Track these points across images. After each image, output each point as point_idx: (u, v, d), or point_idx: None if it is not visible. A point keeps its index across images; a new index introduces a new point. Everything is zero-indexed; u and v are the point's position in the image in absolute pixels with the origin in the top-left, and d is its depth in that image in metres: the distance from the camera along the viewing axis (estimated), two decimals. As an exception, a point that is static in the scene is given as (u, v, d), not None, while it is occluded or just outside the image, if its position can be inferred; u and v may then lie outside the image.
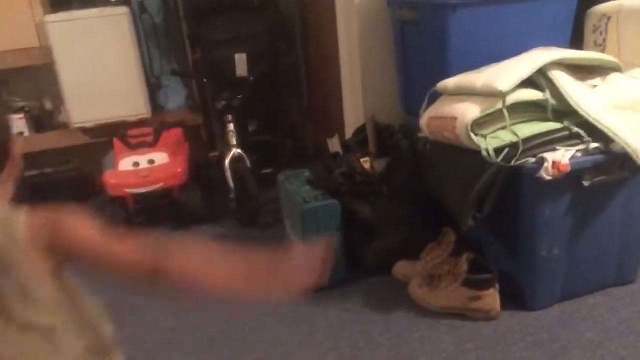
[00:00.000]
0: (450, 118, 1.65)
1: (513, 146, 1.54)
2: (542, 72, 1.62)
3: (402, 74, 2.17)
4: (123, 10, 2.77)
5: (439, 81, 1.79)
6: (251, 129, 2.88)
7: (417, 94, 1.91)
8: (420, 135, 1.85)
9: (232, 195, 2.47)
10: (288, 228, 2.18)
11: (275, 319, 1.80)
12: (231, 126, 2.53)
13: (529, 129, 1.58)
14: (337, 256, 1.90)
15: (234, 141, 2.51)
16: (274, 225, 2.41)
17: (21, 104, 2.94)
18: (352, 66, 2.30)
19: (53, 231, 0.74)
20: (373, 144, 2.09)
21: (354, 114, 2.38)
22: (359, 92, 2.29)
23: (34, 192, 2.76)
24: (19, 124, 2.84)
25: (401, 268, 1.90)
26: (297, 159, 2.92)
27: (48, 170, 2.89)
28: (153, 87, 3.00)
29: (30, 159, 2.88)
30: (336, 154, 2.15)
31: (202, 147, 3.05)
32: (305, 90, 3.16)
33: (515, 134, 1.55)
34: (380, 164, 1.97)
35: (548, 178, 1.50)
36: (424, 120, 1.77)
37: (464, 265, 1.69)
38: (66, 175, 2.92)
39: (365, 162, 2.00)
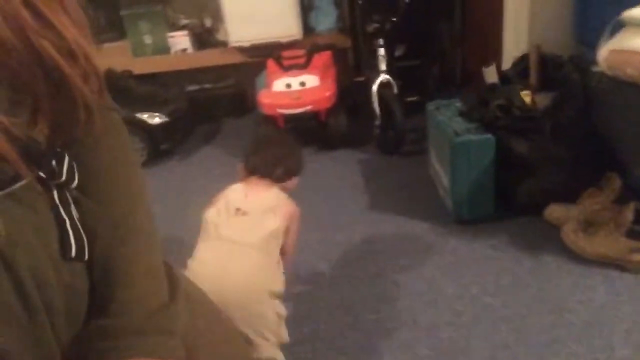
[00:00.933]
0: (636, 53, 1.47)
1: None
2: None
3: (578, -2, 1.96)
4: None
5: (623, 9, 1.58)
6: (397, 53, 2.81)
7: (595, 22, 1.72)
8: (594, 69, 1.68)
9: (377, 122, 2.48)
10: (433, 158, 2.15)
11: (418, 245, 1.84)
12: (381, 50, 2.49)
13: None
14: (487, 191, 1.86)
15: (383, 66, 2.49)
16: (418, 153, 2.40)
17: (184, 22, 3.14)
18: (519, -13, 2.12)
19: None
20: (536, 76, 1.94)
21: (515, 41, 2.22)
22: (523, 17, 2.12)
23: (194, 105, 3.01)
24: (182, 40, 3.04)
25: (554, 211, 1.80)
26: (443, 87, 2.83)
27: (207, 85, 3.11)
28: (305, 8, 3.02)
29: (192, 74, 3.11)
30: (493, 85, 2.04)
31: (348, 71, 3.07)
32: (459, 12, 2.98)
33: None
34: (544, 99, 1.83)
35: None
36: (602, 53, 1.60)
37: (629, 215, 1.57)
38: (224, 91, 3.11)
39: (526, 96, 1.88)
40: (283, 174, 1.38)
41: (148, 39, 3.05)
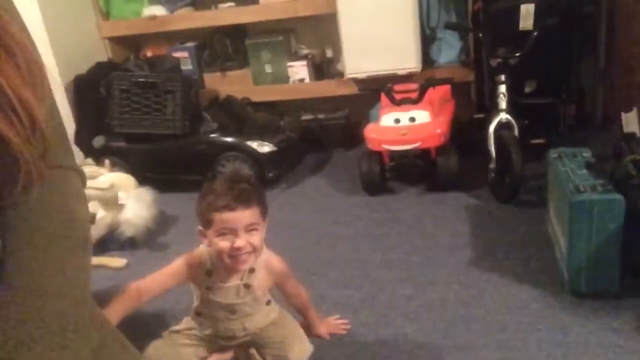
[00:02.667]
0: None
1: None
2: None
3: None
4: (408, -43, 2.66)
5: None
6: (527, 89, 2.55)
7: None
8: None
9: (492, 165, 2.24)
10: (551, 213, 1.87)
11: (522, 317, 1.58)
12: (502, 87, 2.26)
13: None
14: (611, 262, 1.55)
15: (502, 105, 2.25)
16: (537, 205, 2.11)
17: (306, 52, 3.17)
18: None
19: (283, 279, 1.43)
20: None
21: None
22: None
23: (307, 134, 3.00)
24: (301, 70, 3.07)
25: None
26: (577, 131, 2.49)
27: (321, 115, 3.09)
28: (427, 40, 2.88)
29: (308, 103, 3.11)
30: (631, 135, 1.72)
31: (469, 106, 2.85)
32: (603, 47, 2.62)
33: None
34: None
35: None
36: None
37: None
38: (337, 122, 3.07)
39: (673, 151, 1.55)
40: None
41: (269, 68, 3.11)
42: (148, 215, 2.23)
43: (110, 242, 2.26)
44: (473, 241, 2.01)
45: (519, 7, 2.30)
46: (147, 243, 2.28)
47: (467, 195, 2.32)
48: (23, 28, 0.47)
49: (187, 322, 1.44)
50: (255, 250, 1.26)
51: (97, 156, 2.71)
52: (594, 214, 1.51)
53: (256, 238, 1.26)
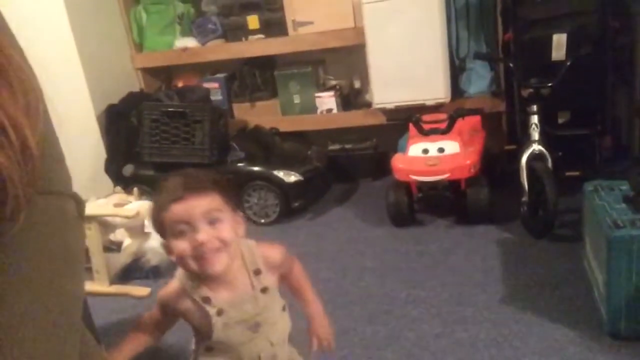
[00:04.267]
0: None
1: None
2: None
3: None
4: (437, -12, 2.66)
5: None
6: (561, 120, 2.48)
7: None
8: None
9: (524, 198, 2.17)
10: (588, 249, 1.78)
11: (555, 360, 1.49)
12: (534, 118, 2.20)
13: None
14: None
15: (535, 136, 2.19)
16: (572, 240, 2.02)
17: (334, 82, 3.17)
18: None
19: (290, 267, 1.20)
20: None
21: None
22: None
23: (334, 164, 2.98)
24: (329, 101, 3.07)
25: None
26: (614, 163, 2.40)
27: (348, 145, 3.07)
28: (456, 70, 2.85)
29: (335, 133, 3.10)
30: (673, 168, 1.64)
31: (501, 138, 2.79)
32: (638, 77, 2.54)
33: None
34: None
35: None
36: None
37: None
38: (363, 152, 3.05)
39: None
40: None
41: (297, 99, 3.13)
42: (173, 244, 2.23)
43: (134, 270, 2.26)
44: (505, 277, 1.93)
45: (550, 36, 2.26)
46: (171, 272, 2.25)
47: (499, 229, 2.25)
48: (17, 48, 0.46)
49: None
50: (225, 244, 1.01)
51: (126, 184, 2.74)
52: (633, 251, 1.43)
53: (223, 230, 1.01)
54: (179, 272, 1.08)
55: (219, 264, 1.01)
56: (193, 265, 1.01)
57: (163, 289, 1.12)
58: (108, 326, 1.93)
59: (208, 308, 1.06)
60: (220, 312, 1.06)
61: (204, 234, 0.99)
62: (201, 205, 0.99)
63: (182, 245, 1.00)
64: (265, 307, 1.10)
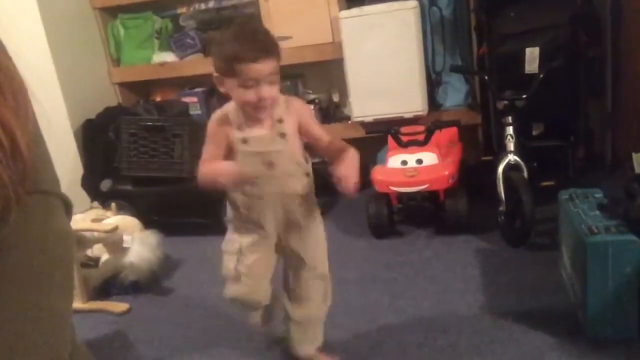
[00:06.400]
0: None
1: None
2: None
3: None
4: (413, 4, 2.71)
5: None
6: (535, 132, 2.53)
7: None
8: None
9: (502, 208, 2.20)
10: (564, 257, 1.82)
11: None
12: (510, 129, 2.25)
13: None
14: (629, 306, 1.49)
15: (510, 146, 2.23)
16: (549, 248, 2.06)
17: (313, 96, 3.19)
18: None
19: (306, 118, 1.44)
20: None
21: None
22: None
23: (314, 176, 2.98)
24: (308, 114, 3.08)
25: None
26: (588, 173, 2.46)
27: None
28: (433, 84, 2.90)
29: (314, 148, 3.11)
30: (643, 175, 1.69)
31: (477, 149, 2.84)
32: (610, 89, 2.63)
33: None
34: None
35: None
36: None
37: None
38: (343, 165, 3.05)
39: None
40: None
41: (276, 112, 3.13)
42: (153, 258, 2.20)
43: (113, 286, 2.22)
44: (485, 286, 1.95)
45: (524, 50, 2.32)
46: (150, 287, 2.24)
47: (477, 239, 2.27)
48: (4, 51, 0.46)
49: (234, 239, 1.47)
50: (275, 102, 1.33)
51: (104, 199, 2.70)
52: (608, 256, 1.46)
53: (275, 89, 1.31)
54: (230, 106, 1.38)
55: (265, 112, 1.33)
56: (250, 110, 1.32)
57: (217, 112, 1.42)
58: (85, 344, 1.89)
59: (238, 134, 1.36)
60: (245, 140, 1.35)
61: (267, 91, 1.28)
62: (268, 68, 1.27)
63: (249, 95, 1.28)
64: (280, 151, 1.37)
